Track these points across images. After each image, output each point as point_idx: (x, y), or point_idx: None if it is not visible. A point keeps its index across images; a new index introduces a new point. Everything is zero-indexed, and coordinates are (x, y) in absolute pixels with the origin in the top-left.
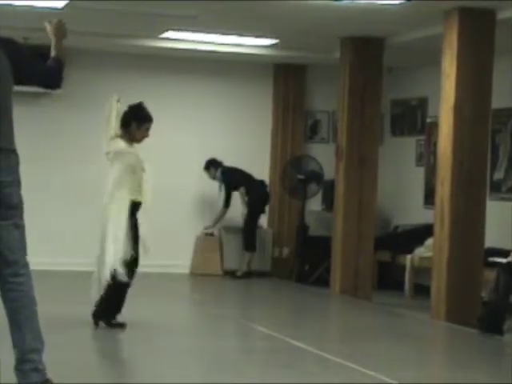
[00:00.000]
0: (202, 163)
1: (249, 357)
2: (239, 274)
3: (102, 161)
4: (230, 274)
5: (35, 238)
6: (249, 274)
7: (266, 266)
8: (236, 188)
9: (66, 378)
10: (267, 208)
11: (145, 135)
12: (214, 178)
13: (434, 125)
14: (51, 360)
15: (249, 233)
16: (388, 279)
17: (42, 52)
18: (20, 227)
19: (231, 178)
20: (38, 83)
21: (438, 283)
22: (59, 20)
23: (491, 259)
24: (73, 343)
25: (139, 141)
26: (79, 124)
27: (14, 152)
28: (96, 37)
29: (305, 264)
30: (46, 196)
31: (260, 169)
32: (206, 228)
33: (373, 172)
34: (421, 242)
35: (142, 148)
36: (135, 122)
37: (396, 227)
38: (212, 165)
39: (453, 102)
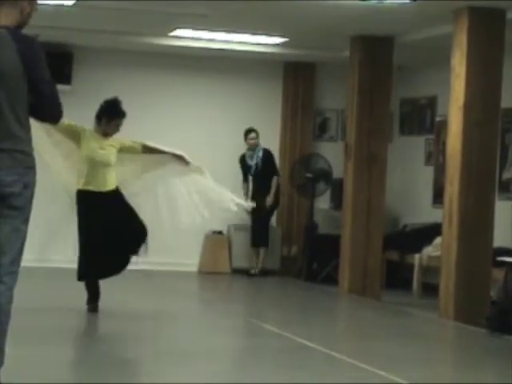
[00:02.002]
0: (211, 161)
1: (257, 356)
2: (254, 271)
3: None
4: (244, 273)
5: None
6: (265, 273)
7: (275, 264)
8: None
9: (67, 377)
10: None
11: (115, 130)
12: (254, 144)
13: (443, 124)
14: (56, 358)
15: (267, 228)
16: (396, 278)
17: (51, 50)
18: (19, 231)
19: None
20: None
21: (447, 282)
22: None
23: (500, 259)
24: (74, 339)
25: (110, 135)
26: (87, 121)
27: (23, 153)
28: (105, 34)
29: (313, 262)
30: (52, 195)
31: None
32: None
33: (381, 171)
34: (429, 241)
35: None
36: (105, 118)
37: (404, 226)
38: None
39: (462, 101)
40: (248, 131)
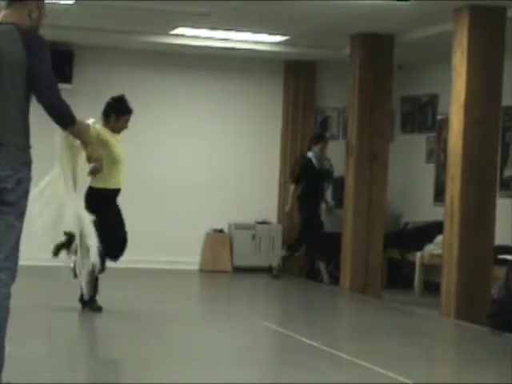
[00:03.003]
0: (212, 160)
1: (258, 354)
2: (327, 280)
3: None
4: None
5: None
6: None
7: (276, 262)
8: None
9: (67, 376)
10: (277, 204)
11: (123, 127)
12: (324, 152)
13: (445, 122)
14: (57, 357)
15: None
16: (398, 276)
17: (52, 49)
18: (12, 227)
19: None
20: (37, 95)
21: (448, 281)
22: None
23: (501, 257)
24: (75, 339)
25: (118, 132)
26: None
27: (20, 148)
28: (106, 33)
29: (315, 261)
30: None
31: (270, 165)
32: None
33: (383, 169)
34: (430, 239)
35: (151, 145)
36: (114, 114)
37: (406, 224)
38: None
39: (463, 99)
40: (324, 138)
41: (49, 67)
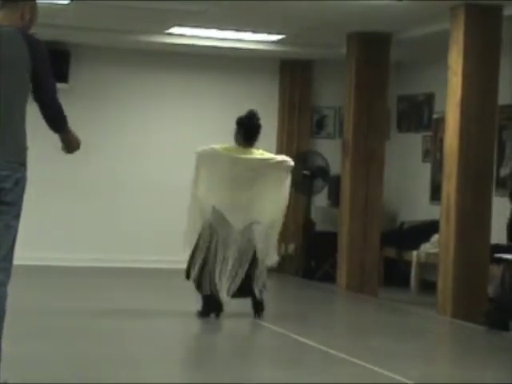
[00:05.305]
0: None
1: (254, 353)
2: None
3: (106, 157)
4: None
5: (40, 232)
6: None
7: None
8: None
9: (67, 375)
10: None
11: None
12: None
13: (441, 121)
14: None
15: None
16: (394, 275)
17: (48, 48)
18: (10, 227)
19: None
20: (42, 104)
21: (444, 279)
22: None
23: (497, 255)
24: (78, 338)
25: None
26: (85, 120)
27: (20, 147)
28: (102, 32)
29: (311, 260)
30: (52, 191)
31: None
32: None
33: (379, 168)
34: (427, 238)
35: (149, 144)
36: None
37: (402, 223)
38: None
39: (459, 98)
40: None
41: (52, 77)
